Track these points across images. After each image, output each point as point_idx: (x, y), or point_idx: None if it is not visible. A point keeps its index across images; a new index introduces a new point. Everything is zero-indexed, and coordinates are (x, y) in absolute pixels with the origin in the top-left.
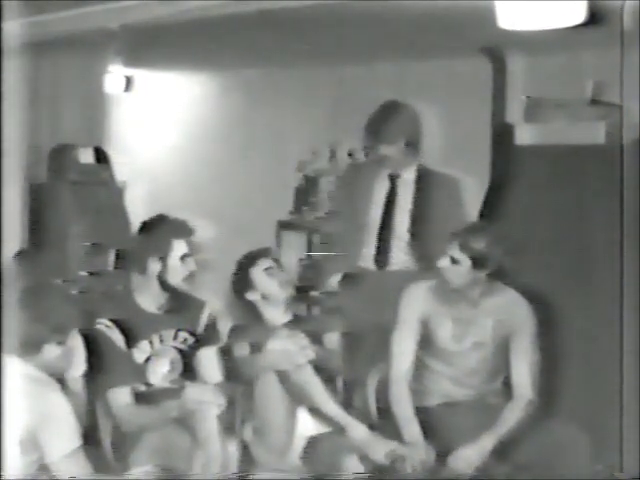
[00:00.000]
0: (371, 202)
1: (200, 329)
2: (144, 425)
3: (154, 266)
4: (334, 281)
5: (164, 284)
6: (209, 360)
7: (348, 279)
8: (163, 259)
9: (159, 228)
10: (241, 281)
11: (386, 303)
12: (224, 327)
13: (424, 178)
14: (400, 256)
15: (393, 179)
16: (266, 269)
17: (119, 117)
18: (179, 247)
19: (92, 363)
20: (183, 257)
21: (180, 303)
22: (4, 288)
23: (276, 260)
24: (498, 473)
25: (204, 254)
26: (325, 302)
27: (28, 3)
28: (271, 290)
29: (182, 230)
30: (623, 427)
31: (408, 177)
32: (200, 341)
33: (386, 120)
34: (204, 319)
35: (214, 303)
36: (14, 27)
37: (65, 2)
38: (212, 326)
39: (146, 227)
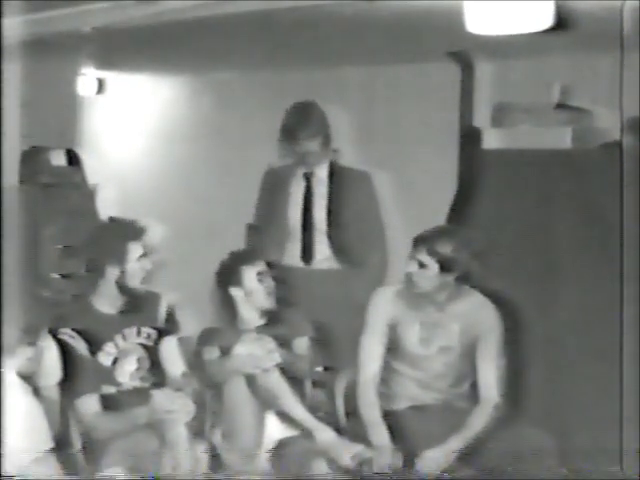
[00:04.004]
0: (289, 202)
1: (160, 322)
2: (113, 432)
3: (113, 271)
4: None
5: (122, 287)
6: (170, 350)
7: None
8: (121, 264)
9: (112, 232)
10: (229, 274)
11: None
12: (183, 316)
13: (337, 174)
14: (323, 250)
15: (308, 177)
16: (259, 273)
17: (91, 119)
18: (135, 250)
19: (65, 370)
20: (139, 258)
21: (137, 301)
22: None
23: (269, 264)
24: (464, 476)
25: (159, 253)
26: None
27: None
28: (256, 296)
29: (135, 231)
30: (623, 426)
31: (321, 174)
32: (161, 333)
33: (302, 119)
34: (162, 311)
35: (170, 295)
36: None
37: (37, 4)
38: (171, 317)
39: (100, 232)
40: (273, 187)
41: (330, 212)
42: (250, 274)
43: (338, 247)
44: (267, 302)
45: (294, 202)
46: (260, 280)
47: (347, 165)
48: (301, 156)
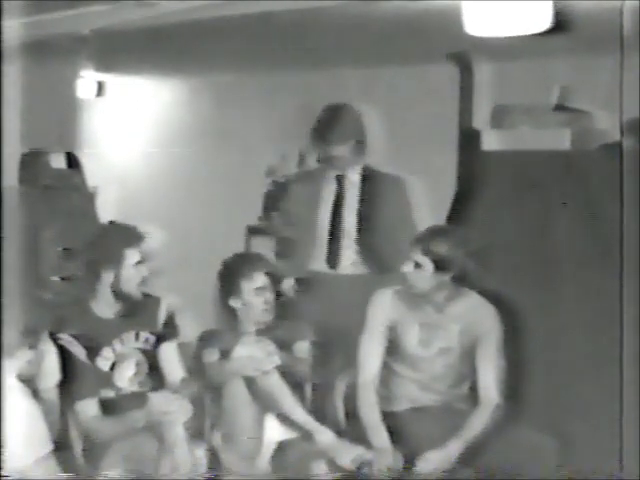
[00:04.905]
0: (320, 204)
1: (159, 326)
2: (112, 436)
3: (108, 276)
4: (287, 286)
5: (117, 292)
6: (170, 355)
7: (303, 285)
8: (116, 269)
9: (110, 237)
10: (229, 286)
11: (341, 305)
12: (182, 321)
13: (369, 178)
14: (350, 255)
15: (340, 180)
16: (257, 289)
17: (91, 122)
18: (132, 256)
19: (64, 372)
20: (136, 264)
21: (136, 306)
22: None
23: (268, 274)
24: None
25: (156, 260)
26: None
27: None
28: (254, 310)
29: (133, 237)
30: (623, 426)
31: (354, 178)
32: (160, 338)
33: (333, 121)
34: (162, 315)
35: (170, 299)
36: None
37: (36, 6)
38: (170, 321)
39: (98, 235)
40: (304, 188)
41: (361, 217)
42: (248, 288)
43: (366, 253)
44: (264, 316)
45: (324, 205)
46: (258, 295)
47: (381, 169)
48: (331, 159)
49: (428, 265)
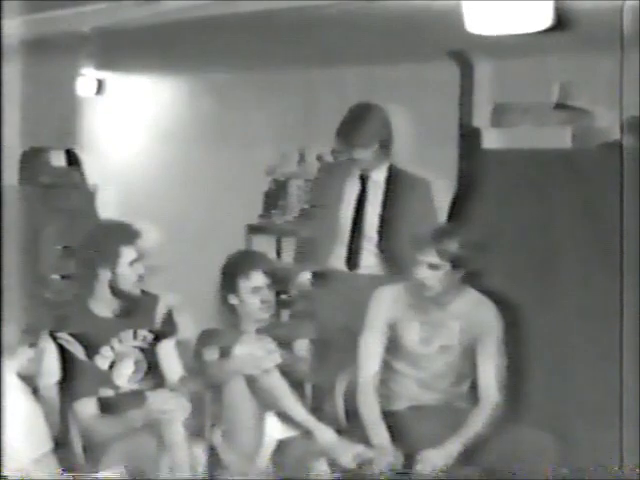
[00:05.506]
0: (342, 203)
1: (157, 324)
2: (111, 435)
3: (104, 274)
4: (304, 279)
5: (115, 290)
6: (168, 353)
7: (319, 280)
8: (113, 267)
9: (105, 235)
10: (229, 282)
11: (357, 305)
12: (181, 319)
13: (394, 179)
14: (370, 257)
15: (364, 180)
16: (254, 287)
17: (91, 120)
18: (128, 254)
19: (63, 371)
20: (132, 262)
21: (134, 304)
22: None
23: (266, 273)
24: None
25: (153, 257)
26: (296, 304)
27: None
28: (251, 308)
29: (128, 235)
30: (623, 426)
31: (378, 178)
32: (158, 336)
33: (359, 123)
34: (160, 313)
35: (168, 297)
36: None
37: (36, 4)
38: (168, 319)
39: (94, 234)
40: (327, 183)
41: (383, 219)
42: (245, 287)
43: (387, 256)
44: (261, 314)
45: (346, 203)
46: (255, 294)
47: (407, 170)
48: (355, 162)
49: (444, 265)
